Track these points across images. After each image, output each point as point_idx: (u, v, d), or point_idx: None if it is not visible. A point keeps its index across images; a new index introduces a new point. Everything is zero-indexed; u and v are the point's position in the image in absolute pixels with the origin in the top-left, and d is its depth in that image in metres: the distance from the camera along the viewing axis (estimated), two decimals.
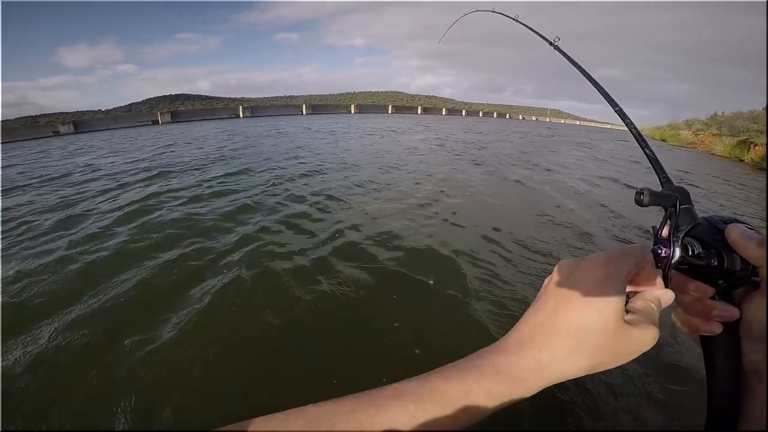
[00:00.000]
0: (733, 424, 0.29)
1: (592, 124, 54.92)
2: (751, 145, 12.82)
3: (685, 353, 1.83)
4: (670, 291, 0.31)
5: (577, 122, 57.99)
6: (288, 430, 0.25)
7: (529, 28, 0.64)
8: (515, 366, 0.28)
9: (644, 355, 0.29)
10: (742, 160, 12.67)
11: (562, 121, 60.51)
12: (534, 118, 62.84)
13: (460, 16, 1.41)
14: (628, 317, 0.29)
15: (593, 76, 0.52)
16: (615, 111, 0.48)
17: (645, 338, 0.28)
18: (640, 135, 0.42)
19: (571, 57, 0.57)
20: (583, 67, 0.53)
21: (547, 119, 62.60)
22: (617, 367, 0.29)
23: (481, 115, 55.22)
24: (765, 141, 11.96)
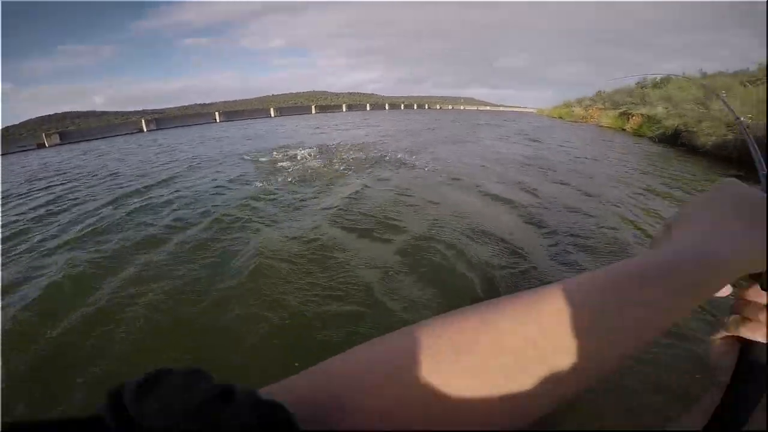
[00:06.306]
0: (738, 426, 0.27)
1: (501, 109, 61.09)
2: (630, 116, 15.73)
3: None
4: None
5: (487, 107, 63.89)
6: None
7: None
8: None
9: None
10: (624, 129, 15.60)
11: (475, 108, 66.05)
12: (450, 107, 67.54)
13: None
14: None
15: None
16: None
17: None
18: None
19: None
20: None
21: (461, 107, 67.75)
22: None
23: (402, 107, 57.53)
24: (640, 112, 15.06)
